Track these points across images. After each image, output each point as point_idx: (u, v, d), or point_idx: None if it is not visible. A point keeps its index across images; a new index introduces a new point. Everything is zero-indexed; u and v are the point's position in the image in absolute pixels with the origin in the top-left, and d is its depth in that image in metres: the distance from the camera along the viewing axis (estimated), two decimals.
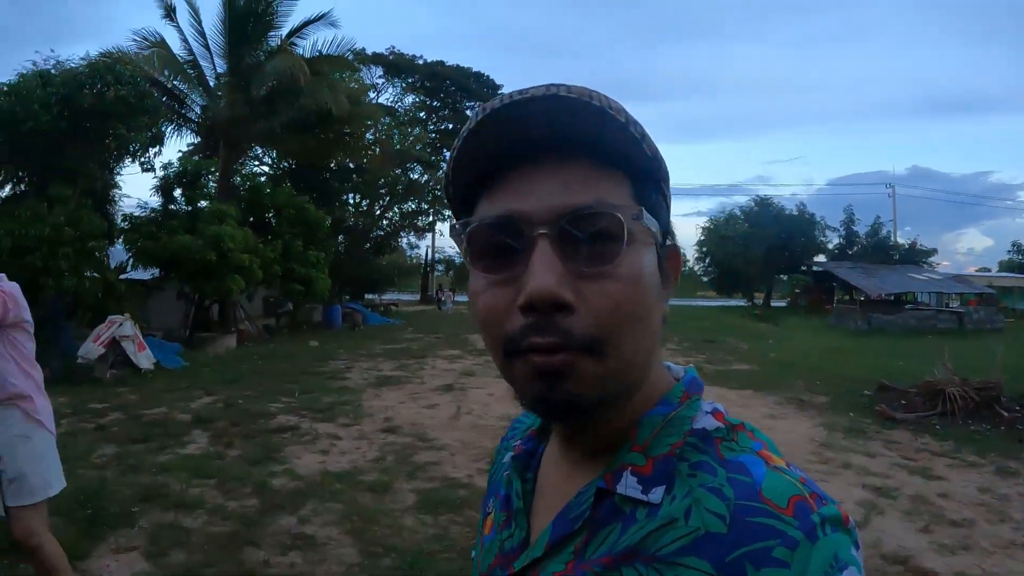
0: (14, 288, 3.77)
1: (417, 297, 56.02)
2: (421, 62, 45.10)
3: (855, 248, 54.46)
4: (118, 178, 20.35)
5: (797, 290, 57.23)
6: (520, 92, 0.76)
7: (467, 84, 47.12)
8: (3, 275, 3.85)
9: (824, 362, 17.89)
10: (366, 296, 38.67)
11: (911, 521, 6.36)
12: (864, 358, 19.15)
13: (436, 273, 57.59)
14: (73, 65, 19.37)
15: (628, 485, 0.76)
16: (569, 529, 0.78)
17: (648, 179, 0.80)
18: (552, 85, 0.74)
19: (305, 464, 7.65)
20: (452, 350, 19.11)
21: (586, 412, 0.75)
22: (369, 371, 14.86)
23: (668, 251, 0.84)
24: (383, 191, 39.10)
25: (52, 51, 20.99)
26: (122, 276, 17.56)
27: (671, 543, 0.70)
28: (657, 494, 0.74)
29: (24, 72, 18.88)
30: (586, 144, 0.75)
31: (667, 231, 0.83)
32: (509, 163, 0.78)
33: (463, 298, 56.77)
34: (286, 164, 32.48)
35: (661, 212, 0.81)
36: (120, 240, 18.75)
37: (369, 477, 7.23)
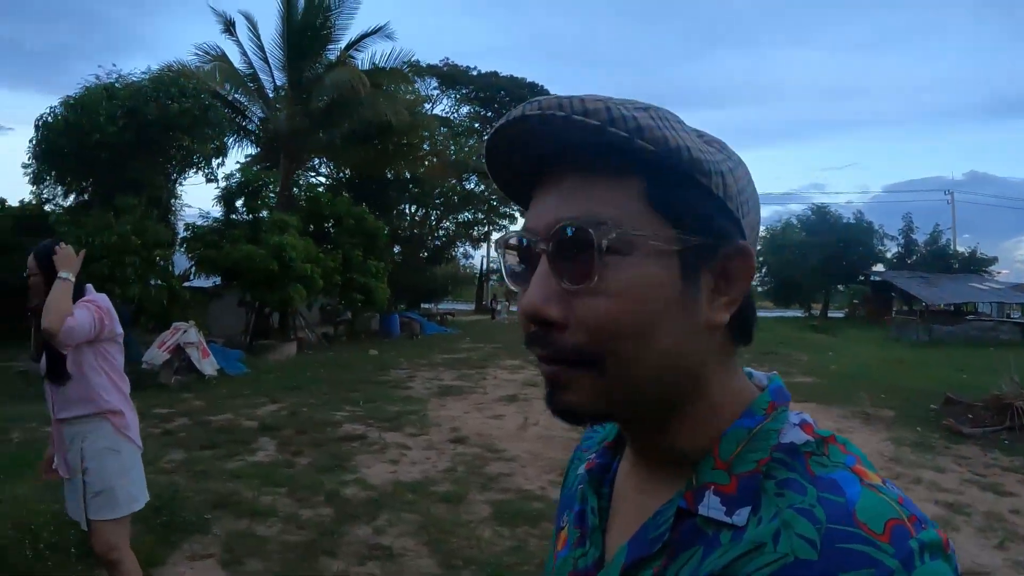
0: (105, 300, 3.73)
1: (472, 307, 55.99)
2: (475, 73, 45.31)
3: (914, 257, 53.17)
4: (180, 188, 20.69)
5: (855, 300, 56.11)
6: (503, 118, 0.76)
7: (521, 94, 47.08)
8: (90, 285, 3.81)
9: (887, 374, 17.40)
10: (422, 305, 38.71)
11: (986, 538, 6.16)
12: (927, 370, 18.64)
13: (490, 283, 57.45)
14: (135, 79, 19.73)
15: (711, 506, 0.72)
16: (647, 551, 0.74)
17: (671, 174, 0.72)
18: (528, 103, 0.74)
19: (376, 473, 7.56)
20: (512, 360, 18.93)
21: (595, 420, 0.77)
22: (431, 381, 14.77)
23: (720, 253, 0.74)
24: (439, 201, 39.28)
25: (114, 65, 21.56)
26: (185, 284, 17.77)
27: (758, 570, 0.65)
28: (742, 516, 0.70)
29: (89, 85, 19.23)
30: (574, 154, 0.74)
31: (713, 230, 0.74)
32: (531, 180, 0.79)
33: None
34: (343, 175, 32.75)
35: (700, 210, 0.73)
36: (183, 249, 18.98)
37: (442, 488, 7.11)
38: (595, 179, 0.73)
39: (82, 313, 3.52)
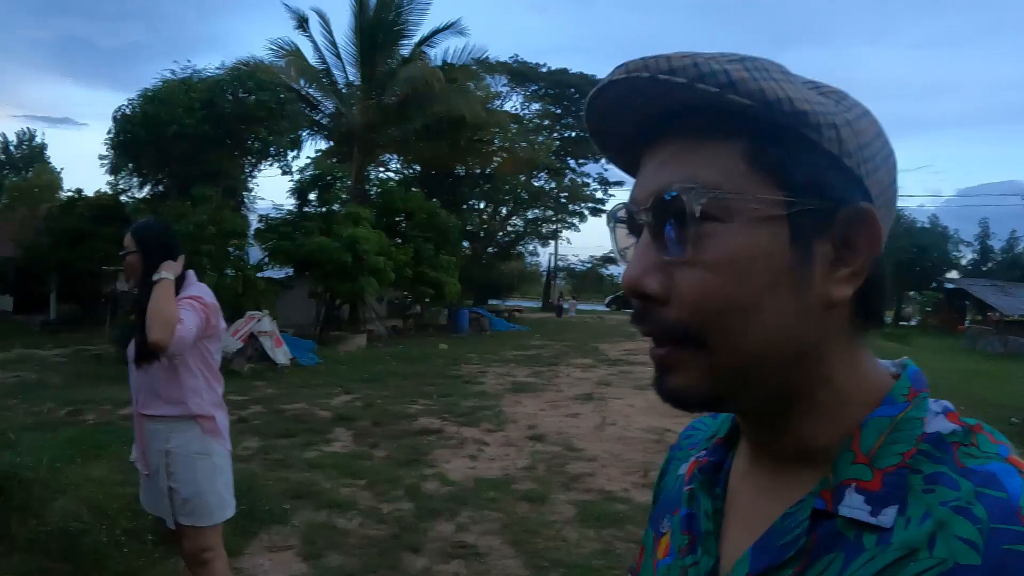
0: (210, 294, 3.45)
1: (537, 304, 55.78)
2: (545, 70, 45.03)
3: (989, 264, 51.32)
4: (253, 181, 20.95)
5: (928, 308, 54.38)
6: (594, 88, 0.72)
7: (590, 91, 46.77)
8: (191, 272, 3.51)
9: (965, 386, 16.72)
10: (489, 301, 38.61)
11: None
12: (1006, 383, 17.97)
13: (557, 281, 57.25)
14: (209, 74, 19.97)
15: (853, 505, 0.64)
16: (777, 559, 0.65)
17: (774, 130, 0.64)
18: (615, 68, 0.69)
19: (455, 469, 7.36)
20: (583, 359, 18.69)
21: (705, 406, 0.70)
22: (504, 377, 14.59)
23: (837, 218, 0.65)
24: (507, 198, 39.18)
25: (189, 61, 22.09)
26: (258, 275, 17.91)
27: None
28: (889, 516, 0.62)
29: (166, 79, 19.55)
30: (668, 117, 0.69)
31: (828, 192, 0.65)
32: (639, 149, 0.74)
33: (585, 306, 56.49)
34: (412, 170, 32.83)
35: (810, 169, 0.65)
36: (256, 240, 19.18)
37: (523, 486, 6.87)
38: (692, 142, 0.67)
39: (190, 316, 3.20)
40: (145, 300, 3.20)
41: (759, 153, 0.65)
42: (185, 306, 3.23)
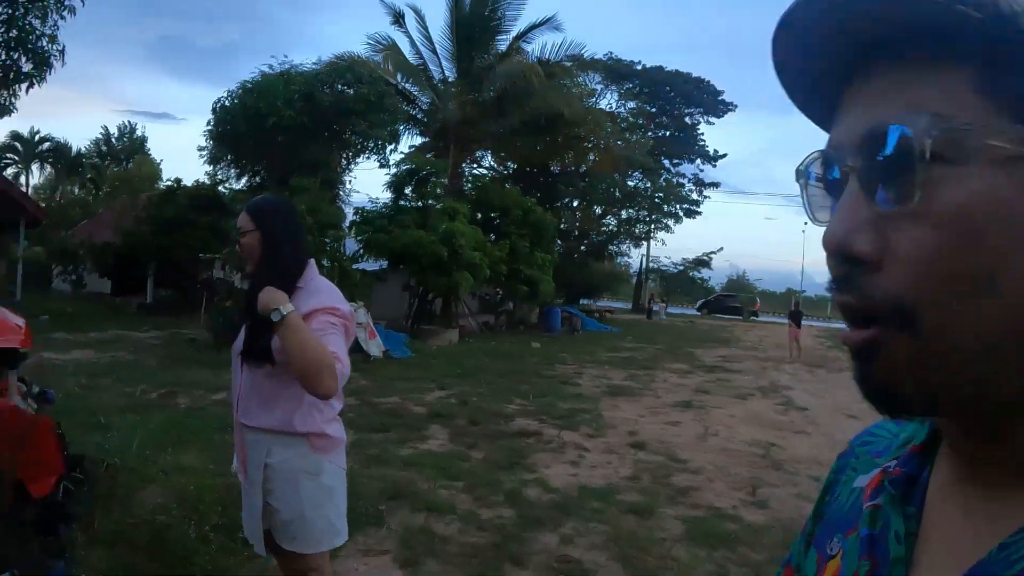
0: (344, 302, 2.89)
1: (627, 305, 55.13)
2: (639, 67, 44.41)
3: None
4: (349, 175, 21.13)
5: None
6: (787, 8, 0.58)
7: (687, 90, 46.09)
8: (313, 262, 2.99)
9: None
10: (581, 301, 38.21)
11: None
12: None
13: (648, 283, 56.49)
14: (306, 69, 20.18)
15: None
16: None
17: (1013, 51, 0.51)
18: None
19: (557, 475, 6.98)
20: (679, 364, 18.19)
21: (920, 409, 0.57)
22: (599, 379, 14.20)
23: None
24: (601, 196, 38.76)
25: (286, 56, 22.38)
26: (353, 266, 17.95)
27: None
28: None
29: (265, 72, 19.82)
30: (877, 39, 0.55)
31: None
32: (835, 90, 0.60)
33: (674, 309, 55.66)
34: (506, 167, 32.71)
35: None
36: (352, 232, 19.26)
37: (628, 497, 6.44)
38: (907, 71, 0.55)
39: (339, 344, 2.68)
40: (259, 287, 2.73)
41: (992, 79, 0.52)
42: (327, 329, 2.70)
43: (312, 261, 2.99)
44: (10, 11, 12.27)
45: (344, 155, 21.84)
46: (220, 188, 24.53)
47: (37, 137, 57.73)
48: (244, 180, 24.30)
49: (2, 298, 20.43)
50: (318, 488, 2.84)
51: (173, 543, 4.23)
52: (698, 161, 50.10)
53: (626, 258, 51.51)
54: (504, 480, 6.56)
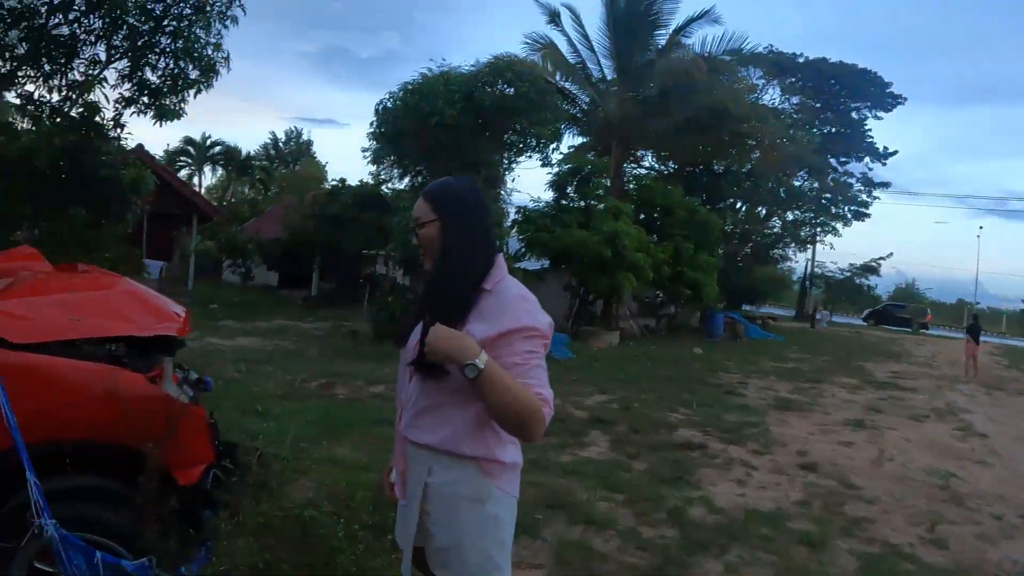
0: (536, 306, 2.37)
1: (789, 313, 52.93)
2: (801, 60, 42.31)
3: None
4: (510, 174, 21.17)
5: None
6: None
7: (853, 82, 43.55)
8: (499, 257, 2.50)
9: None
10: (742, 307, 36.94)
11: None
12: None
13: (813, 290, 54.02)
14: (465, 70, 20.35)
15: None
16: None
17: None
18: None
19: (722, 493, 6.46)
20: (848, 378, 16.99)
21: None
22: (765, 390, 13.40)
23: None
24: (766, 197, 37.27)
25: (444, 59, 22.83)
26: (515, 265, 17.86)
27: None
28: None
29: (425, 73, 20.12)
30: None
31: None
32: None
33: (839, 318, 53.17)
34: (667, 167, 31.94)
35: None
36: (514, 231, 19.20)
37: (798, 525, 5.85)
38: None
39: (543, 376, 2.28)
40: (438, 288, 2.41)
41: None
42: (530, 362, 2.26)
43: (501, 257, 2.51)
44: (176, 24, 12.91)
45: (506, 154, 21.94)
46: (383, 188, 25.23)
47: (209, 141, 61.43)
48: (407, 180, 24.97)
49: (175, 287, 21.68)
50: (481, 517, 2.42)
51: (320, 539, 4.05)
52: (867, 159, 47.18)
53: (790, 263, 49.50)
54: (667, 496, 6.11)
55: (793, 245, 45.07)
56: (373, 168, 25.12)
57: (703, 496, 6.24)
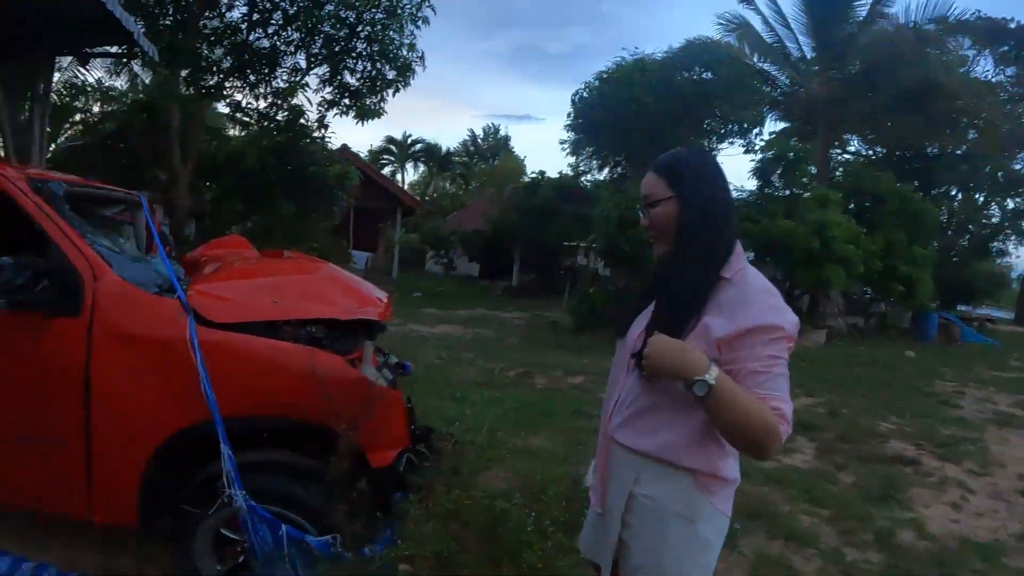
0: (781, 303, 2.15)
1: (1007, 315, 48.44)
2: (1014, 25, 38.10)
3: None
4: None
5: None
6: None
7: None
8: (738, 243, 2.27)
9: None
10: (958, 307, 34.19)
11: None
12: None
13: None
14: (659, 57, 19.99)
15: None
16: None
17: None
18: None
19: (935, 517, 5.87)
20: None
21: None
22: (983, 402, 12.10)
23: None
24: (986, 183, 34.13)
25: (636, 48, 22.44)
26: None
27: None
28: None
29: (620, 61, 19.90)
30: None
31: None
32: None
33: None
34: (874, 150, 29.95)
35: None
36: None
37: (1015, 562, 5.15)
38: None
39: (785, 387, 2.10)
40: (674, 273, 2.18)
41: None
42: (771, 368, 2.06)
43: (739, 243, 2.25)
44: (370, 28, 13.75)
45: (706, 141, 21.38)
46: (583, 180, 25.27)
47: (410, 140, 64.10)
48: (606, 172, 24.89)
49: (380, 276, 22.75)
50: (691, 538, 2.18)
51: (508, 530, 3.95)
52: None
53: (1008, 258, 45.24)
54: (875, 515, 5.63)
55: (1014, 238, 41.27)
56: (572, 160, 25.49)
57: (914, 518, 5.70)
